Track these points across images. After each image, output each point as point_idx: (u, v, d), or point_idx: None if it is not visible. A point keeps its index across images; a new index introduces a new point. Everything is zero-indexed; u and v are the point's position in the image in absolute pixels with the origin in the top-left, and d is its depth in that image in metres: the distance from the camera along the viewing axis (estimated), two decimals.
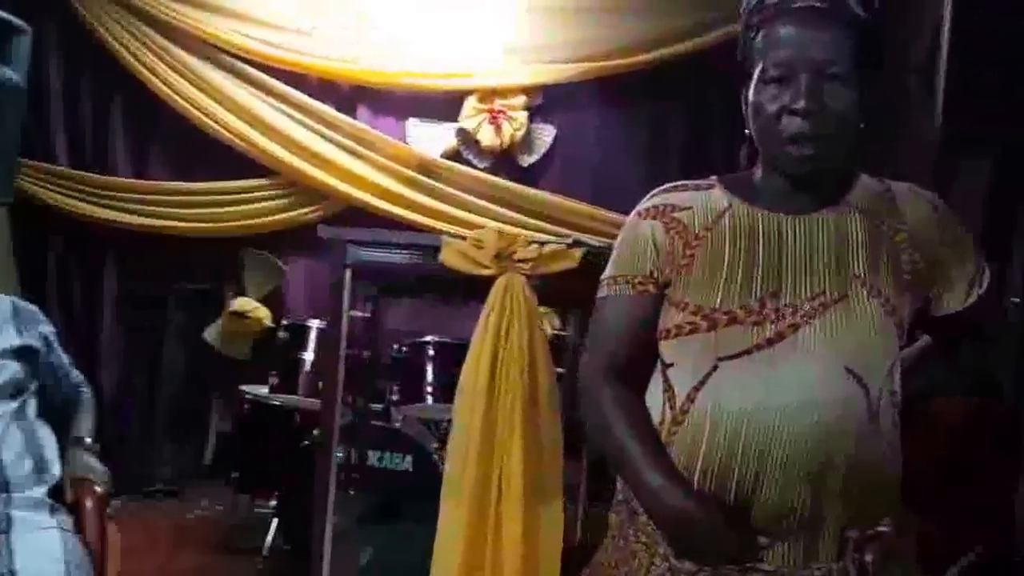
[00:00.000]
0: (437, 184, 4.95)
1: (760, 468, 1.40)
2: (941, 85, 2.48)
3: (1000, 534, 2.60)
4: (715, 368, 1.44)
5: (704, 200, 1.54)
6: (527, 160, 5.09)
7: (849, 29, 1.42)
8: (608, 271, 1.60)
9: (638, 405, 1.55)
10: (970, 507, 2.63)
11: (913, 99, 3.08)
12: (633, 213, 1.60)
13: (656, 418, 1.51)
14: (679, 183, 1.59)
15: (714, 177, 1.58)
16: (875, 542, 1.46)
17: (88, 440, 2.51)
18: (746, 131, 1.52)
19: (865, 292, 1.44)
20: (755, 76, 1.46)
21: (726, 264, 1.47)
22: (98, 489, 2.38)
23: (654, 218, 1.55)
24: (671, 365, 1.51)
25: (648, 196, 1.60)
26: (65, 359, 2.59)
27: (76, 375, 2.64)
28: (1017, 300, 2.74)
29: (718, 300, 1.46)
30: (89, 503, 2.34)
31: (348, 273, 2.58)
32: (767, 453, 1.39)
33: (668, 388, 1.50)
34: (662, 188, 1.60)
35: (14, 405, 2.30)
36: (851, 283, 1.44)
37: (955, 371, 1.76)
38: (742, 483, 1.41)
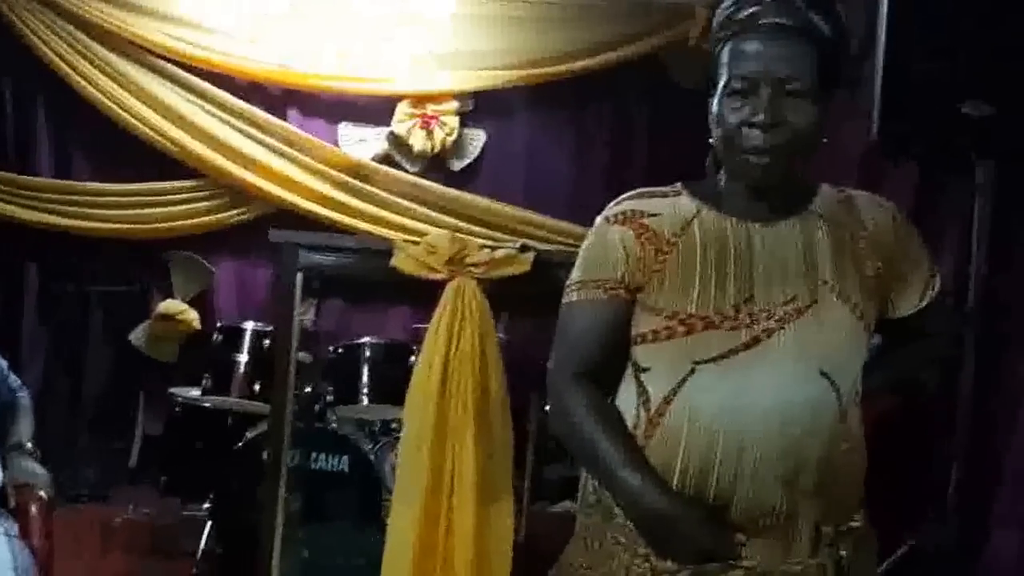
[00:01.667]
0: (368, 187, 4.90)
1: (737, 468, 1.42)
2: (877, 90, 2.52)
3: (933, 529, 2.68)
4: (692, 372, 1.44)
5: (672, 207, 1.54)
6: (458, 164, 5.09)
7: (813, 46, 1.44)
8: (576, 275, 1.58)
9: (610, 407, 1.54)
10: (900, 503, 2.72)
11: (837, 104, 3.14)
12: (600, 218, 1.59)
13: (630, 421, 1.51)
14: (645, 190, 1.59)
15: (679, 184, 1.59)
16: (848, 537, 1.49)
17: (29, 445, 2.46)
18: (709, 140, 1.53)
19: (835, 297, 1.47)
20: (719, 88, 1.47)
21: (699, 270, 1.48)
22: (42, 494, 2.33)
23: (623, 224, 1.54)
24: (646, 369, 1.51)
25: (615, 202, 1.59)
26: (2, 363, 2.52)
27: (14, 379, 2.57)
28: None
29: (693, 305, 1.46)
30: (34, 509, 2.31)
31: (299, 277, 2.53)
32: (744, 454, 1.41)
33: (643, 392, 1.50)
34: (629, 195, 1.59)
35: None
36: (821, 289, 1.47)
37: (906, 371, 1.79)
38: (720, 483, 1.42)
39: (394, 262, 2.58)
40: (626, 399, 1.54)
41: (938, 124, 2.46)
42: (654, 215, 1.53)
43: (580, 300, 1.56)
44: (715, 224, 1.51)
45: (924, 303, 1.58)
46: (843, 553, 1.47)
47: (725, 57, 1.48)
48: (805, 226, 1.51)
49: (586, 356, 1.55)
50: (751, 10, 1.45)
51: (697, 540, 1.42)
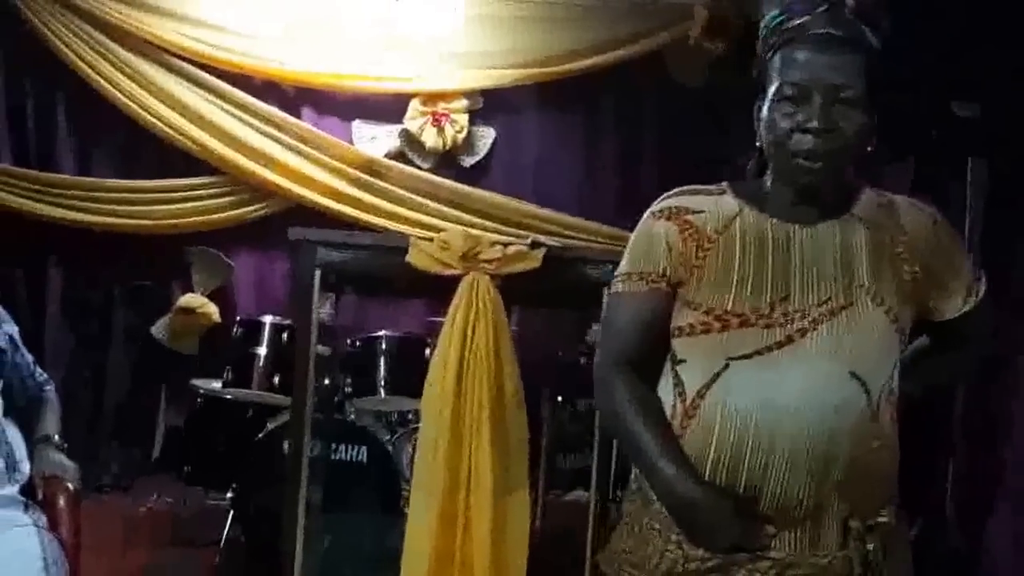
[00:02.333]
0: (382, 183, 4.94)
1: (767, 462, 1.44)
2: None
3: (933, 523, 2.68)
4: (726, 367, 1.47)
5: (715, 204, 1.56)
6: (468, 161, 5.14)
7: (861, 56, 1.46)
8: (623, 267, 1.62)
9: (651, 397, 1.58)
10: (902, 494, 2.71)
11: None
12: (647, 214, 1.61)
13: (667, 412, 1.55)
14: (691, 187, 1.61)
15: (724, 183, 1.61)
16: (876, 531, 1.50)
17: (56, 438, 2.47)
18: (757, 143, 1.55)
19: (869, 300, 1.48)
20: (770, 94, 1.49)
21: (737, 268, 1.50)
22: (70, 486, 2.34)
23: (668, 219, 1.56)
24: (683, 361, 1.54)
25: (661, 198, 1.61)
26: (29, 358, 2.55)
27: (40, 374, 2.59)
28: None
29: (730, 302, 1.49)
30: (62, 501, 2.32)
31: (318, 273, 2.54)
32: (774, 448, 1.43)
33: (679, 383, 1.53)
34: (675, 191, 1.62)
35: None
36: (856, 291, 1.49)
37: (948, 373, 1.84)
38: (751, 475, 1.45)
39: (409, 258, 2.59)
40: (665, 388, 1.57)
41: (930, 123, 2.48)
42: (698, 212, 1.56)
43: (624, 292, 1.59)
44: (756, 224, 1.53)
45: (967, 307, 1.59)
46: (870, 547, 1.48)
47: (776, 64, 1.49)
48: (844, 229, 1.52)
49: (628, 346, 1.59)
50: (802, 20, 1.46)
51: (727, 530, 1.45)
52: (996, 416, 2.84)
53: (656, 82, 5.15)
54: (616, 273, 1.62)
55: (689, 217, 1.55)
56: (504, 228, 4.82)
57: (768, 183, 1.56)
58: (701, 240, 1.53)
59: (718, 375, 1.47)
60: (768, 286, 1.48)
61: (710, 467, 1.47)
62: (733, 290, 1.49)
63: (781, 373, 1.44)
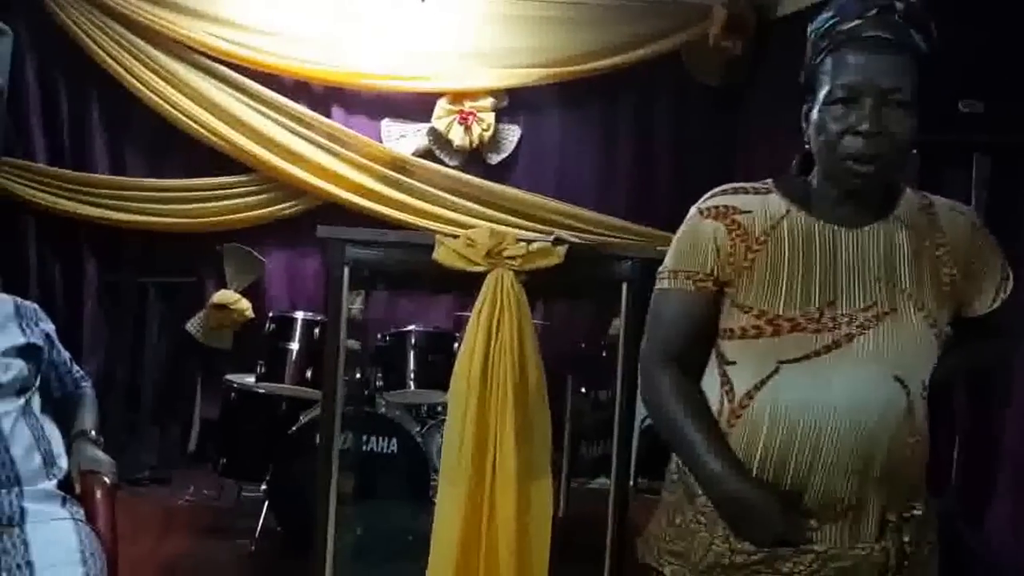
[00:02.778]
0: (410, 181, 4.99)
1: (813, 460, 1.47)
2: None
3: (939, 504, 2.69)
4: (776, 370, 1.49)
5: (763, 204, 1.57)
6: (495, 158, 5.18)
7: (910, 59, 1.46)
8: (669, 264, 1.62)
9: (697, 392, 1.60)
10: None
11: None
12: (694, 210, 1.61)
13: (713, 408, 1.57)
14: (737, 185, 1.61)
15: (770, 181, 1.61)
16: (910, 523, 1.53)
17: (93, 433, 2.49)
18: (806, 145, 1.55)
19: (912, 305, 1.50)
20: (820, 96, 1.49)
21: (786, 271, 1.51)
22: (107, 480, 2.36)
23: (715, 219, 1.57)
24: (732, 363, 1.56)
25: (708, 195, 1.61)
26: (66, 355, 2.56)
27: (77, 371, 2.61)
28: None
29: (781, 306, 1.50)
30: (99, 494, 2.32)
31: (347, 270, 2.55)
32: (819, 447, 1.46)
33: (727, 382, 1.55)
34: (721, 189, 1.61)
35: (20, 402, 2.27)
36: (899, 296, 1.50)
37: (976, 365, 1.87)
38: (796, 472, 1.48)
39: (435, 255, 2.60)
40: (710, 386, 1.59)
41: (937, 121, 2.50)
42: (746, 212, 1.56)
43: (671, 288, 1.60)
44: (803, 225, 1.53)
45: (997, 304, 1.61)
46: (906, 539, 1.52)
47: (827, 67, 1.49)
48: (888, 232, 1.53)
49: (674, 344, 1.60)
50: (853, 23, 1.47)
51: (772, 524, 1.47)
52: (995, 403, 2.90)
53: (674, 80, 5.20)
54: (662, 268, 1.63)
55: (737, 217, 1.55)
56: (529, 224, 4.87)
57: (814, 183, 1.57)
58: (750, 241, 1.54)
59: (769, 377, 1.49)
60: (816, 290, 1.50)
61: (757, 464, 1.50)
62: (783, 293, 1.50)
63: (829, 376, 1.47)
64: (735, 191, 1.59)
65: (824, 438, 1.45)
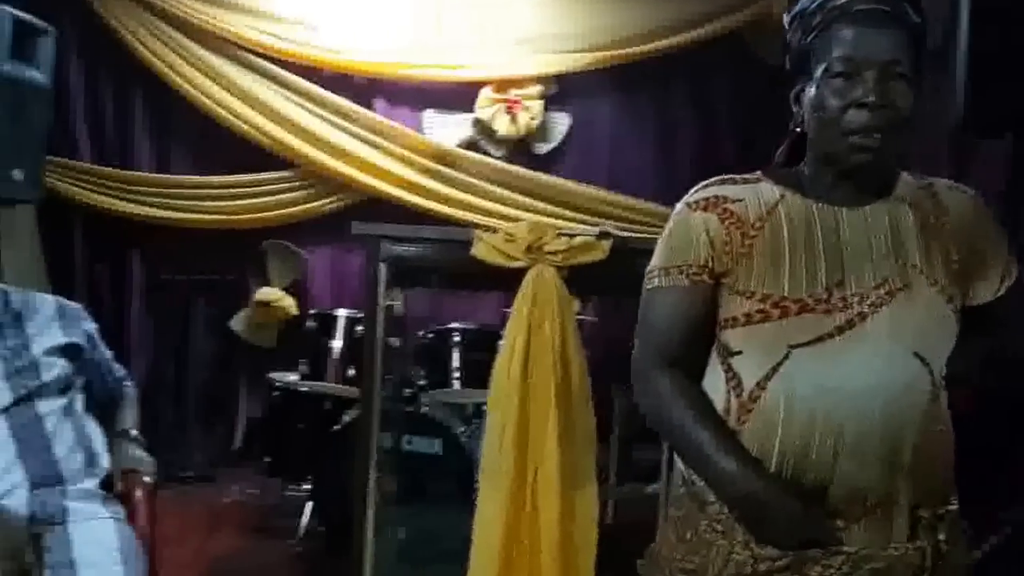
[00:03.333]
0: (454, 173, 4.97)
1: (835, 450, 1.41)
2: (962, 66, 2.48)
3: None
4: (787, 356, 1.44)
5: (754, 192, 1.54)
6: (543, 148, 5.12)
7: (907, 32, 1.45)
8: (658, 261, 1.59)
9: (701, 393, 1.55)
10: (995, 489, 2.65)
11: (926, 83, 3.08)
12: (681, 204, 1.59)
13: (720, 406, 1.52)
14: (725, 176, 1.59)
15: (758, 172, 1.59)
16: (945, 521, 1.48)
17: (134, 432, 2.54)
18: (796, 129, 1.54)
19: (924, 280, 1.46)
20: (817, 73, 1.47)
21: (788, 253, 1.48)
22: (147, 480, 2.41)
23: (705, 210, 1.54)
24: (737, 353, 1.51)
25: (696, 189, 1.59)
26: (108, 355, 2.62)
27: (119, 370, 2.66)
28: None
29: (786, 288, 1.46)
30: (140, 493, 2.37)
31: (383, 268, 2.59)
32: (841, 436, 1.41)
33: (733, 376, 1.51)
34: (709, 181, 1.59)
35: (63, 401, 2.33)
36: (911, 272, 1.47)
37: (980, 359, 1.75)
38: (819, 466, 1.42)
39: (473, 251, 2.62)
40: (713, 385, 1.55)
41: None
42: (737, 200, 1.53)
43: (663, 287, 1.56)
44: (801, 208, 1.51)
45: (1002, 291, 1.57)
46: (941, 537, 1.47)
47: (823, 43, 1.47)
48: (891, 210, 1.51)
49: (670, 346, 1.56)
50: None
51: (796, 525, 1.43)
52: None
53: (735, 61, 5.05)
54: (650, 267, 1.59)
55: (729, 206, 1.53)
56: (578, 216, 4.82)
57: (806, 169, 1.54)
58: (745, 228, 1.51)
59: (779, 364, 1.44)
60: (822, 270, 1.46)
61: (776, 460, 1.44)
62: (787, 275, 1.46)
63: (844, 358, 1.42)
64: (722, 182, 1.57)
65: (845, 425, 1.40)
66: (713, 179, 1.59)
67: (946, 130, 3.06)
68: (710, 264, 1.52)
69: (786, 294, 1.46)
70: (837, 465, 1.42)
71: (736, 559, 1.49)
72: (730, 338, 1.52)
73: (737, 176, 1.58)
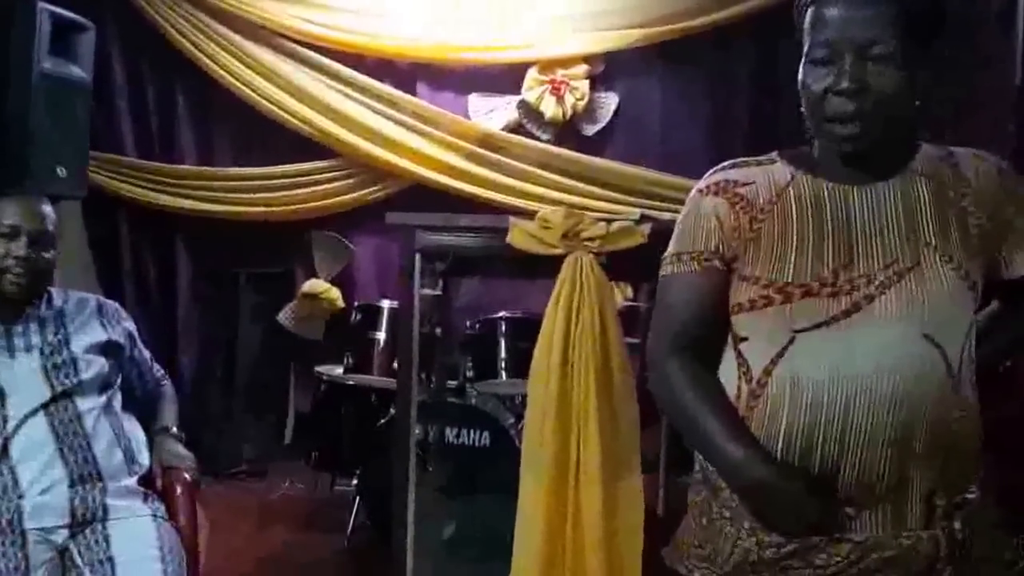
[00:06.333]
0: (501, 158, 4.95)
1: (843, 436, 1.42)
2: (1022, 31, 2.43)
3: None
4: (792, 341, 1.46)
5: (766, 175, 1.56)
6: (590, 130, 5.06)
7: (894, 8, 1.43)
8: (672, 248, 1.62)
9: (711, 380, 1.58)
10: None
11: (989, 49, 3.01)
12: (694, 190, 1.62)
13: (731, 392, 1.54)
14: (739, 160, 1.61)
15: (775, 152, 1.60)
16: (963, 509, 1.47)
17: (174, 429, 2.62)
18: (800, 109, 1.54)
19: (937, 258, 1.46)
20: (804, 56, 1.49)
21: (795, 236, 1.49)
22: (187, 476, 2.48)
23: (716, 195, 1.57)
24: (745, 339, 1.54)
25: (709, 174, 1.62)
26: (147, 354, 2.70)
27: (157, 368, 2.74)
28: None
29: (790, 273, 1.48)
30: (179, 489, 2.45)
31: (418, 257, 2.62)
32: (849, 421, 1.42)
33: (743, 363, 1.53)
34: (722, 165, 1.62)
35: (102, 399, 2.41)
36: (922, 250, 1.46)
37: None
38: (827, 452, 1.44)
39: (509, 239, 2.63)
40: (728, 371, 1.57)
41: None
42: (748, 184, 1.56)
43: (676, 272, 1.59)
44: (811, 189, 1.52)
45: None
46: (957, 526, 1.46)
47: (807, 24, 1.48)
48: (905, 186, 1.50)
49: (684, 329, 1.59)
50: None
51: (802, 511, 1.44)
52: None
53: (791, 34, 4.92)
54: (665, 254, 1.62)
55: (739, 190, 1.55)
56: (627, 198, 4.77)
57: (817, 147, 1.55)
58: (754, 212, 1.53)
59: (784, 350, 1.46)
60: (829, 252, 1.47)
61: (782, 446, 1.46)
62: (792, 259, 1.48)
63: (851, 342, 1.43)
64: (735, 165, 1.59)
65: (853, 410, 1.41)
66: (726, 163, 1.62)
67: (1011, 99, 3.00)
68: (721, 249, 1.55)
69: (790, 279, 1.47)
70: (845, 452, 1.43)
71: (742, 545, 1.52)
72: (737, 324, 1.55)
73: (751, 159, 1.60)
